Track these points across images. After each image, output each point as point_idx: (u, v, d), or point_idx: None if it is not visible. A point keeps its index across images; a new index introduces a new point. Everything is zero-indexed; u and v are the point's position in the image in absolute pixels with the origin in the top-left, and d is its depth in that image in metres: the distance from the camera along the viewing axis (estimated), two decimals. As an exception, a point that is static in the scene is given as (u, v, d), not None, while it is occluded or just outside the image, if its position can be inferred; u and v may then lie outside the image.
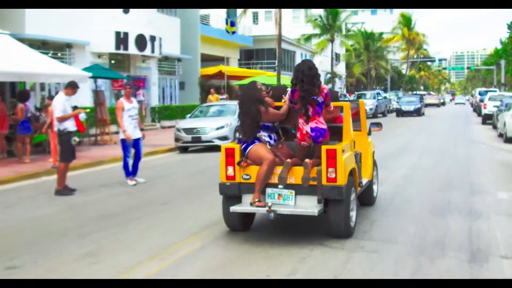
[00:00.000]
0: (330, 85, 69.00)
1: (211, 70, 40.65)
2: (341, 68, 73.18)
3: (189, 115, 22.27)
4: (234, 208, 7.20)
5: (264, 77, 39.55)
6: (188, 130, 19.78)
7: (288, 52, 57.05)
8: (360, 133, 8.66)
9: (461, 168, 14.13)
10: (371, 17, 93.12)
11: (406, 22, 68.16)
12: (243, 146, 7.28)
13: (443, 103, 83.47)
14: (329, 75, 66.39)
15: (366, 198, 9.08)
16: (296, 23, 66.33)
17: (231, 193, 7.34)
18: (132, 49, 29.73)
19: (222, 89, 32.90)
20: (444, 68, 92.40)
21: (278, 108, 7.58)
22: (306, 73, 6.99)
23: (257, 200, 7.03)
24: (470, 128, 30.08)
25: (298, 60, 59.19)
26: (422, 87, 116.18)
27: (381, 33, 77.33)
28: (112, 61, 30.40)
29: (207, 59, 43.48)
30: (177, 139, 20.08)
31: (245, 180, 7.21)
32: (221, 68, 39.64)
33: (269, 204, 6.94)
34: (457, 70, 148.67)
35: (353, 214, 7.37)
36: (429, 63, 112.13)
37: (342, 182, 6.86)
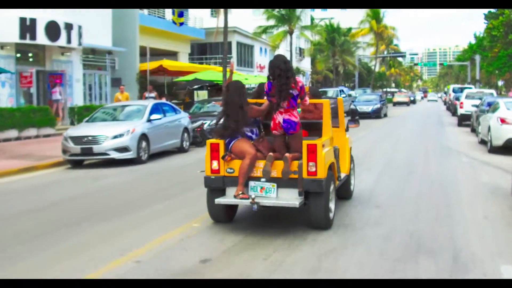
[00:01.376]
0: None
1: (151, 65, 35.70)
2: (306, 64, 68.71)
3: (86, 118, 17.41)
4: (219, 200, 7.54)
5: (211, 72, 34.79)
6: (76, 139, 15.15)
7: (246, 46, 52.35)
8: (338, 129, 8.80)
9: (436, 207, 9.25)
10: (340, 12, 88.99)
11: (374, 14, 63.90)
12: (227, 141, 7.54)
13: (413, 101, 79.49)
14: (292, 72, 61.93)
15: (344, 192, 9.33)
16: (258, 16, 61.55)
17: (215, 186, 7.62)
18: (42, 38, 24.76)
19: (150, 85, 28.02)
20: (416, 64, 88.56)
21: (260, 104, 7.86)
22: (282, 68, 7.29)
23: (240, 192, 7.30)
24: (444, 131, 25.87)
25: (256, 54, 54.48)
26: (393, 84, 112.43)
27: (350, 28, 73.18)
28: (18, 54, 25.32)
29: (154, 54, 38.66)
30: (64, 151, 15.42)
31: (229, 173, 7.49)
32: (162, 62, 34.84)
33: (253, 196, 7.25)
34: (429, 67, 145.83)
35: (332, 206, 7.69)
36: (400, 59, 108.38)
37: (322, 176, 7.19)
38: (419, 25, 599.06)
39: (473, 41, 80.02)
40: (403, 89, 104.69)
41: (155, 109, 16.86)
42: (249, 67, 52.81)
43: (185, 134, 18.45)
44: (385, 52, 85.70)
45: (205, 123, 20.85)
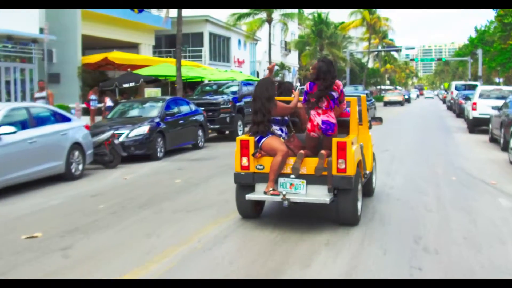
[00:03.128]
0: (278, 78, 58.20)
1: (95, 57, 29.38)
2: (292, 59, 62.33)
3: None
4: (250, 196, 7.54)
5: (168, 66, 28.43)
6: None
7: (221, 38, 45.95)
8: (361, 126, 8.71)
9: None
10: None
11: (367, 4, 57.53)
12: (257, 138, 7.56)
13: (408, 100, 71.57)
14: (276, 68, 55.45)
15: (366, 189, 9.03)
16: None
17: (245, 182, 7.63)
18: None
19: (41, 81, 21.49)
20: (412, 60, 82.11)
21: (287, 102, 7.83)
22: (326, 70, 7.35)
23: (271, 189, 7.33)
24: (455, 143, 19.47)
25: (234, 47, 48.06)
26: (388, 81, 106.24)
27: (342, 22, 66.93)
28: None
29: (109, 45, 32.55)
30: None
31: (258, 170, 7.53)
32: (107, 55, 28.50)
33: (284, 193, 7.24)
34: (426, 62, 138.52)
35: (359, 203, 7.67)
36: (395, 55, 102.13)
37: (351, 173, 7.19)
38: (413, 22, 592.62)
39: (473, 36, 73.68)
40: (398, 87, 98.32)
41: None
42: (225, 62, 46.43)
43: (76, 153, 12.25)
44: (379, 47, 79.39)
45: (120, 133, 14.63)
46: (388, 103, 57.09)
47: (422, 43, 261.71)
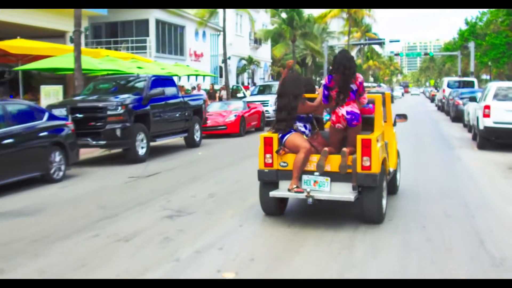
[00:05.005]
0: (245, 74, 50.93)
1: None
2: (264, 54, 55.01)
3: None
4: (274, 193, 7.44)
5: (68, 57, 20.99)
6: None
7: (172, 27, 38.53)
8: (386, 124, 8.50)
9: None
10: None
11: (346, -9, 50.20)
12: (281, 135, 7.45)
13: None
14: (244, 62, 48.10)
15: (391, 187, 8.69)
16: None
17: (269, 179, 7.52)
18: None
19: None
20: (397, 55, 75.03)
21: (311, 100, 7.76)
22: (346, 65, 7.21)
23: (295, 186, 7.22)
24: (465, 172, 12.53)
25: (189, 38, 40.63)
26: (371, 78, 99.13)
27: (325, 14, 59.87)
28: None
29: (34, 35, 25.52)
30: None
31: (282, 167, 7.40)
32: (3, 43, 21.17)
33: (308, 190, 7.14)
34: (411, 58, 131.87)
35: (384, 200, 7.52)
36: (379, 51, 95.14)
37: (376, 170, 7.04)
38: (397, 20, 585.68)
39: (463, 29, 66.76)
40: (382, 84, 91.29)
41: None
42: (177, 54, 39.05)
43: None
44: (363, 43, 72.29)
45: None
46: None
47: (407, 40, 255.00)
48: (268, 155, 7.47)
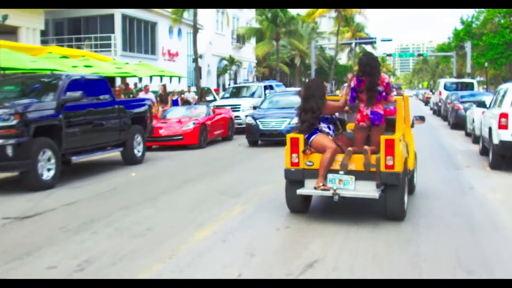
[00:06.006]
0: (226, 76, 47.27)
1: None
2: (247, 53, 51.33)
3: None
4: (301, 191, 7.62)
5: (7, 52, 17.35)
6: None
7: (142, 23, 34.85)
8: (405, 125, 8.52)
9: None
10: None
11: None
12: (307, 136, 7.67)
13: None
14: (225, 63, 44.47)
15: (408, 186, 8.48)
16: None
17: (295, 177, 7.72)
18: None
19: None
20: (390, 55, 71.50)
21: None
22: (373, 66, 7.46)
23: (321, 184, 7.41)
24: (476, 199, 9.15)
25: (162, 35, 36.94)
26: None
27: (312, 12, 56.31)
28: None
29: None
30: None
31: (308, 166, 7.60)
32: None
33: (334, 188, 7.35)
34: (403, 59, 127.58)
35: (405, 198, 7.68)
36: (371, 51, 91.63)
37: (399, 169, 7.26)
38: (390, 21, 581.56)
39: (456, 30, 63.29)
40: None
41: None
42: (148, 53, 35.38)
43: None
44: (353, 43, 68.59)
45: None
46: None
47: (400, 42, 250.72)
48: (294, 155, 7.67)
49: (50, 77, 12.18)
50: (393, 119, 7.99)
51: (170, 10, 32.47)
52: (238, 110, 22.04)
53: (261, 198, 9.32)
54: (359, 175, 7.35)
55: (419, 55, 73.65)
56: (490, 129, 12.60)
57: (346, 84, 8.04)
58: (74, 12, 31.39)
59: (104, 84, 12.92)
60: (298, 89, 33.37)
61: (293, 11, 55.79)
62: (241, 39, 48.27)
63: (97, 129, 12.34)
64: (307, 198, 8.18)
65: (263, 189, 10.02)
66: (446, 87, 32.66)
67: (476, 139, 17.80)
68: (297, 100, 18.73)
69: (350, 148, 7.40)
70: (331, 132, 7.86)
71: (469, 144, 17.77)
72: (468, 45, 53.70)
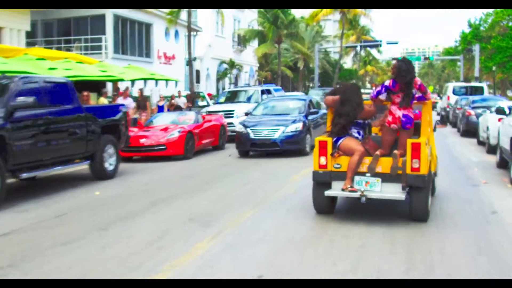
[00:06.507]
0: (227, 80, 45.56)
1: None
2: (249, 57, 49.58)
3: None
4: (329, 192, 7.77)
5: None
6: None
7: (136, 24, 33.17)
8: None
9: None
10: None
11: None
12: (335, 139, 7.83)
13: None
14: (225, 66, 42.78)
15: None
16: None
17: (323, 179, 7.84)
18: None
19: None
20: (395, 59, 69.79)
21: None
22: (410, 70, 7.58)
23: (349, 186, 7.55)
24: (502, 230, 7.42)
25: (158, 37, 35.22)
26: (369, 85, 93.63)
27: (316, 14, 54.52)
28: None
29: None
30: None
31: (336, 168, 7.74)
32: None
33: (362, 189, 7.51)
34: (412, 61, 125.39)
35: (429, 200, 7.82)
36: (376, 55, 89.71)
37: (424, 172, 7.40)
38: (396, 25, 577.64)
39: (463, 33, 61.39)
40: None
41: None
42: (143, 56, 33.69)
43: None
44: (358, 45, 66.70)
45: None
46: None
47: (405, 46, 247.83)
48: (322, 158, 7.80)
49: (0, 79, 10.40)
50: (418, 123, 8.04)
51: (166, 10, 30.73)
52: (232, 116, 20.27)
53: (238, 228, 7.54)
54: (385, 178, 7.49)
55: (426, 58, 71.65)
56: (511, 139, 10.79)
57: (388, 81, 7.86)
58: (64, 13, 29.74)
59: (65, 87, 11.16)
60: (299, 93, 31.59)
61: (297, 14, 54.18)
62: (242, 42, 46.52)
63: (57, 140, 10.59)
64: (333, 199, 8.30)
65: (243, 216, 8.24)
66: (454, 92, 30.78)
67: (491, 149, 15.98)
68: (295, 105, 17.12)
69: (377, 152, 7.58)
70: (359, 136, 7.95)
71: (483, 154, 15.95)
72: (476, 48, 51.65)
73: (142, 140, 15.55)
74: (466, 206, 8.76)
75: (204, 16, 42.04)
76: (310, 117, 16.44)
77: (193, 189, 10.67)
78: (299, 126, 15.48)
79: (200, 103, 26.97)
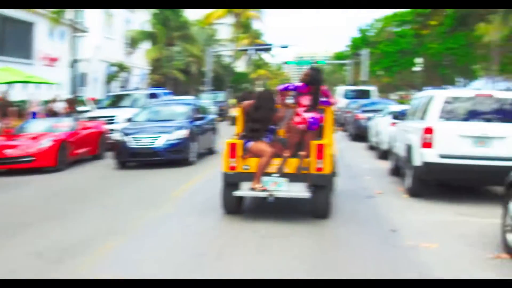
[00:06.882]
0: (116, 83, 43.35)
1: None
2: (140, 59, 47.38)
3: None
4: (239, 193, 7.99)
5: None
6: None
7: (14, 23, 30.40)
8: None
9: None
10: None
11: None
12: (245, 142, 8.01)
13: None
14: (114, 69, 40.57)
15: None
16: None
17: (233, 180, 8.03)
18: None
19: None
20: (286, 63, 70.07)
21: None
22: (317, 78, 8.16)
23: (259, 185, 7.80)
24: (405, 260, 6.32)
25: (40, 37, 32.63)
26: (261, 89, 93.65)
27: (209, 15, 53.22)
28: None
29: None
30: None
31: (245, 170, 7.94)
32: None
33: (271, 189, 7.77)
34: (300, 66, 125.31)
35: (331, 198, 8.34)
36: (268, 59, 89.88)
37: (328, 171, 7.84)
38: (287, 31, 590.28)
39: (353, 39, 62.53)
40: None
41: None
42: (22, 57, 30.86)
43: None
44: (250, 49, 66.08)
45: None
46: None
47: (296, 50, 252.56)
48: (232, 159, 7.96)
49: None
50: (321, 125, 8.31)
51: (50, 9, 28.29)
52: (114, 123, 18.53)
53: (97, 266, 6.08)
54: (291, 177, 7.75)
55: (315, 62, 72.56)
56: (409, 147, 10.01)
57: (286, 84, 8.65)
58: None
59: None
60: (190, 98, 30.12)
61: (191, 17, 52.59)
62: (132, 44, 44.37)
63: None
64: (241, 199, 8.48)
65: (106, 248, 6.77)
66: (347, 95, 30.50)
67: (382, 155, 15.41)
68: (181, 111, 15.67)
69: (286, 154, 7.82)
70: (267, 140, 8.09)
71: (374, 160, 15.39)
72: (365, 53, 52.55)
73: (8, 151, 13.58)
74: (362, 226, 7.79)
75: (92, 16, 39.58)
76: (196, 123, 15.04)
77: (53, 212, 8.94)
78: (183, 133, 13.97)
79: (83, 108, 24.84)
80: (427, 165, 9.19)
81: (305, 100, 7.99)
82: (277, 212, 8.41)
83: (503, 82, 59.00)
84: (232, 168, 7.94)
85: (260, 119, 8.05)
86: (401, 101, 50.36)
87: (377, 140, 16.46)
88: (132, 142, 13.75)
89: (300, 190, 7.77)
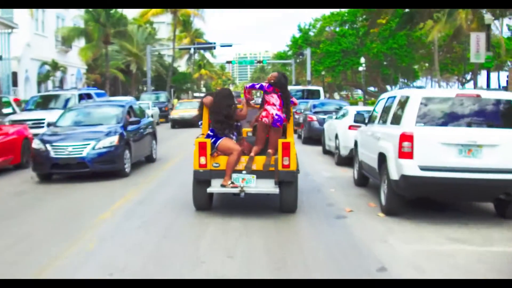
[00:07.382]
0: (50, 83, 40.50)
1: None
2: (76, 58, 44.58)
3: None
4: (211, 189, 8.21)
5: None
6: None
7: None
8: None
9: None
10: None
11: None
12: (213, 140, 8.26)
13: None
14: (47, 68, 37.77)
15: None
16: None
17: (203, 178, 8.21)
18: None
19: None
20: (229, 62, 68.27)
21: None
22: (283, 82, 8.40)
23: (230, 182, 8.07)
24: None
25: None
26: (204, 88, 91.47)
27: (145, 13, 50.81)
28: None
29: None
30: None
31: (215, 167, 8.14)
32: None
33: (242, 185, 8.04)
34: (243, 66, 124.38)
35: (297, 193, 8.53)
36: (210, 59, 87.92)
37: (294, 168, 8.08)
38: (229, 32, 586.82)
39: (294, 38, 61.31)
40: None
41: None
42: None
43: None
44: (192, 48, 63.96)
45: None
46: (178, 123, 30.73)
47: (238, 51, 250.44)
48: (202, 158, 8.09)
49: None
50: (285, 125, 8.44)
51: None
52: (42, 126, 16.27)
53: None
54: (260, 174, 8.03)
55: (259, 62, 71.17)
56: (382, 156, 8.38)
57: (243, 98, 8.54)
58: None
59: None
60: (128, 98, 27.88)
61: (129, 15, 50.12)
62: (65, 42, 41.52)
63: None
64: (211, 196, 8.61)
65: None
66: (294, 96, 28.98)
67: (342, 161, 13.87)
68: (112, 113, 13.52)
69: (252, 153, 8.10)
70: (234, 138, 8.38)
71: (334, 167, 13.78)
72: (307, 52, 51.38)
73: None
74: (339, 263, 6.08)
75: (21, 12, 36.63)
76: (130, 128, 12.85)
77: None
78: (114, 140, 11.79)
79: (5, 110, 22.18)
80: (406, 178, 7.57)
81: (273, 99, 8.20)
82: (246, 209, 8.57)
83: (443, 82, 59.09)
84: (203, 165, 8.11)
85: (220, 114, 8.25)
86: (354, 102, 49.50)
87: (334, 145, 14.90)
88: (53, 151, 11.50)
89: (268, 187, 8.04)
